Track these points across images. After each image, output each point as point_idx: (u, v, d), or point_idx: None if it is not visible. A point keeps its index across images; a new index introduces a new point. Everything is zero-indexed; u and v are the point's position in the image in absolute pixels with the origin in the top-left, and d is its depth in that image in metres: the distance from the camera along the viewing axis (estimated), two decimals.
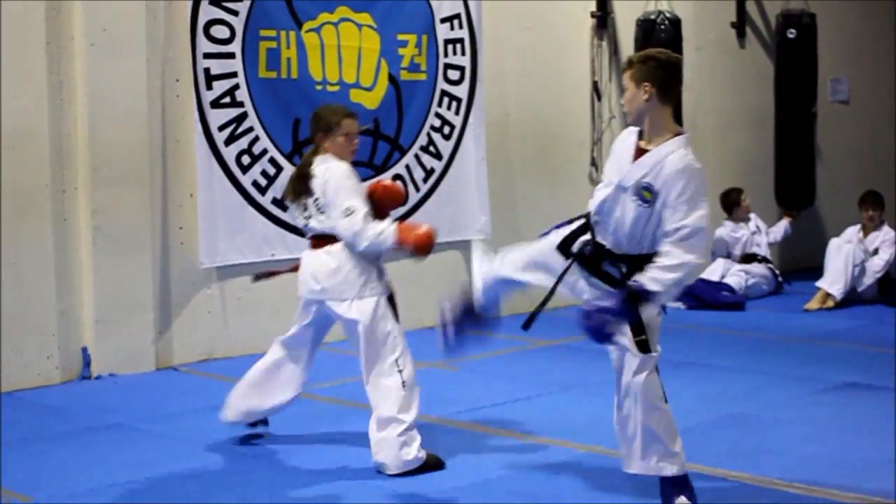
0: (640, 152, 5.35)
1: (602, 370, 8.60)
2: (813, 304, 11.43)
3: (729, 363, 8.89)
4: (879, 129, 14.98)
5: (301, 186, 6.43)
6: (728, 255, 12.42)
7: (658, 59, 5.37)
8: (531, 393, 8.03)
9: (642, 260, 5.29)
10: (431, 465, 6.27)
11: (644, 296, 5.19)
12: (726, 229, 12.49)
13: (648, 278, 5.18)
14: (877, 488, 5.74)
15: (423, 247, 6.31)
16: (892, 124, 15.05)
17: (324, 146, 6.47)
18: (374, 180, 6.96)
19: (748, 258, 12.39)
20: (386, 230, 6.22)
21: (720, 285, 11.74)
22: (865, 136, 14.86)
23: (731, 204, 12.47)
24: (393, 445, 6.17)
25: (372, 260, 6.34)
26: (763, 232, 12.58)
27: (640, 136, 5.41)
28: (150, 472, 6.29)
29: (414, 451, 6.21)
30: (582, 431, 6.97)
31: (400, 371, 6.29)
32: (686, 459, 5.94)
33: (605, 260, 5.46)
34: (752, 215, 12.62)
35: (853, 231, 11.91)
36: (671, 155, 5.24)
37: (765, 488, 5.86)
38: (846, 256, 11.55)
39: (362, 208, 6.25)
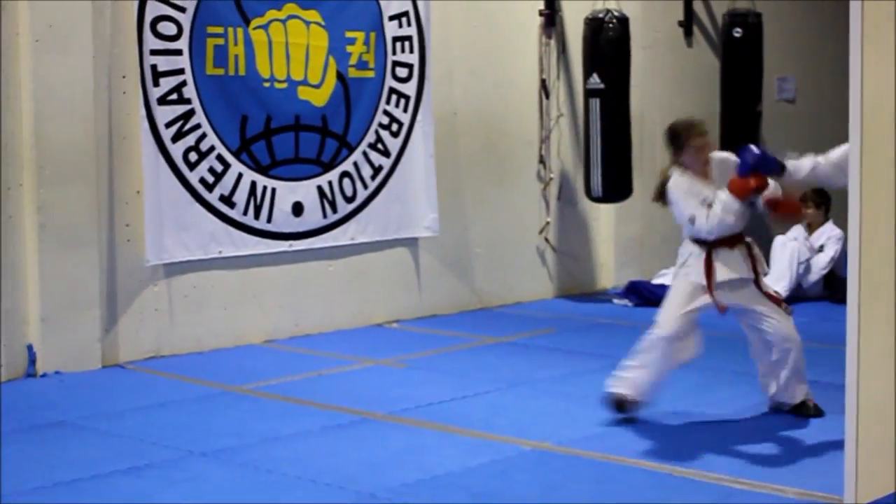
0: None
1: (549, 366, 8.70)
2: None
3: None
4: (824, 127, 15.06)
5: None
6: None
7: None
8: (479, 390, 8.04)
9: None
10: None
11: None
12: None
13: None
14: (822, 484, 5.79)
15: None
16: (836, 123, 15.12)
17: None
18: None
19: None
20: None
21: (663, 286, 11.82)
22: (811, 135, 14.93)
23: None
24: None
25: None
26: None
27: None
28: (96, 470, 6.26)
29: None
30: (530, 428, 7.00)
31: None
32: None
33: None
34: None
35: (799, 229, 11.97)
36: None
37: (707, 483, 5.91)
38: (791, 254, 11.63)
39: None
